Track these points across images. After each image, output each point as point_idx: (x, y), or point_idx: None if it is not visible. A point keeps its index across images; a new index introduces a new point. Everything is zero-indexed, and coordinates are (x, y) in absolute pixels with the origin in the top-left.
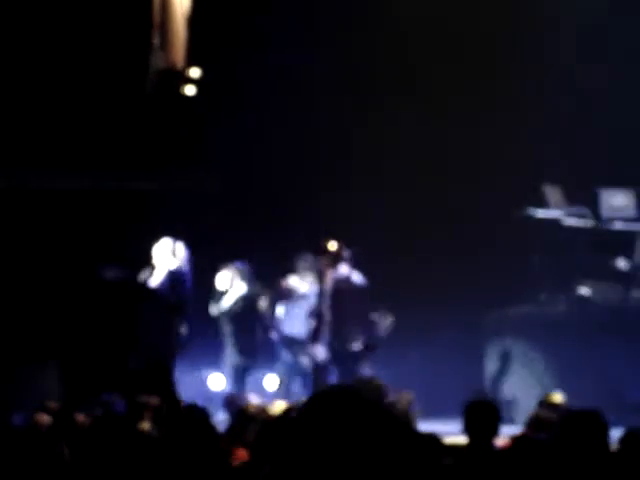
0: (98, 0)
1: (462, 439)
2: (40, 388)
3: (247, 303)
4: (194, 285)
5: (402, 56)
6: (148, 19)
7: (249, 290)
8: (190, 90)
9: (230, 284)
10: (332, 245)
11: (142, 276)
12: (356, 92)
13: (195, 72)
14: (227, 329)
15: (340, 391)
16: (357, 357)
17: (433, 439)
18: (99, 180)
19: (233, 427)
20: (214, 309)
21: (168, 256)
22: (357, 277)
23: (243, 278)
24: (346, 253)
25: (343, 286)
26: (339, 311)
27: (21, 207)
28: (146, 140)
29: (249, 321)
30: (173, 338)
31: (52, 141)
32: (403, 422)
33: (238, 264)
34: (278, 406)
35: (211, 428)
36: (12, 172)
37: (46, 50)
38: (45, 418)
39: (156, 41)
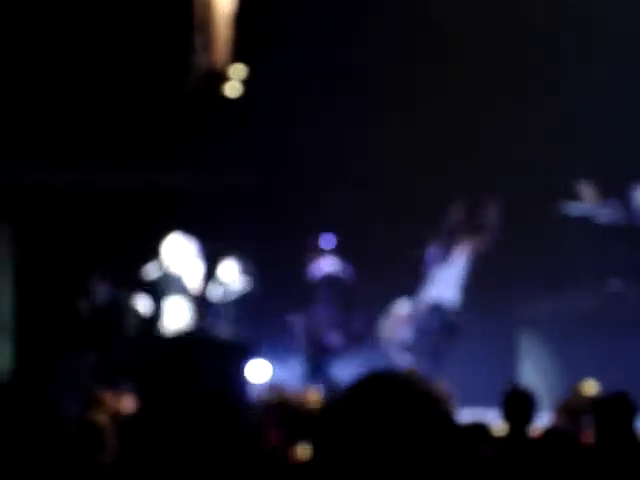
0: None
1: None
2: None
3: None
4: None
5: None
6: (190, 19)
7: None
8: (234, 90)
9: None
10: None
11: (146, 271)
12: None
13: (238, 72)
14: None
15: (390, 378)
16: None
17: (480, 428)
18: (137, 177)
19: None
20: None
21: (178, 252)
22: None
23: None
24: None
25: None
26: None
27: (57, 204)
28: (186, 138)
29: None
30: None
31: (94, 140)
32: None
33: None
34: (312, 394)
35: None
36: (50, 169)
37: (88, 49)
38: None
39: (199, 41)
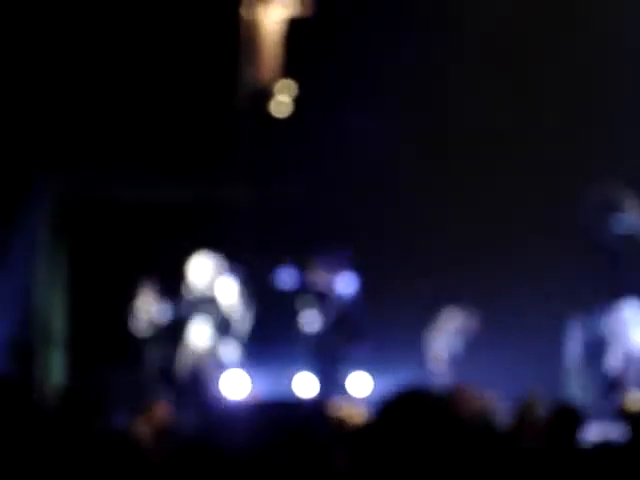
0: (188, 15)
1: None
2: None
3: None
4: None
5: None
6: (237, 37)
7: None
8: (282, 107)
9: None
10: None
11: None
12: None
13: (286, 89)
14: None
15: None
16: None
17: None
18: (183, 191)
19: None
20: None
21: (207, 273)
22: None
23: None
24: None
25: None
26: None
27: (114, 219)
28: (233, 153)
29: None
30: None
31: (140, 154)
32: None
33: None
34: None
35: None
36: (95, 182)
37: (135, 65)
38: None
39: (245, 57)
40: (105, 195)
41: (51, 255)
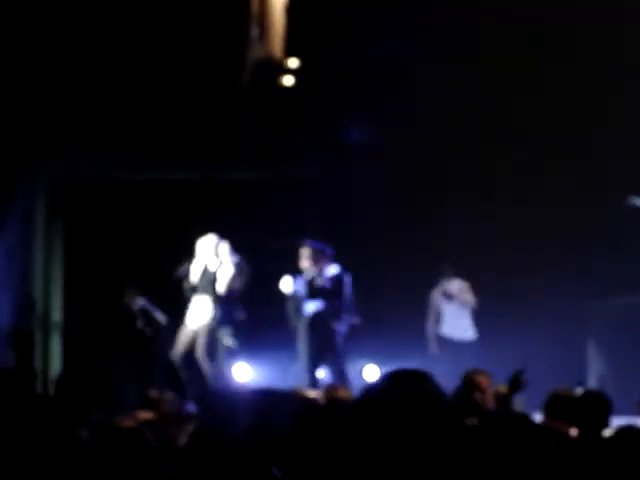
0: None
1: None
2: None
3: None
4: None
5: None
6: (246, 10)
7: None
8: (288, 81)
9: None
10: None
11: (180, 271)
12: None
13: (293, 63)
14: None
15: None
16: None
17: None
18: (191, 171)
19: None
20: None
21: (210, 254)
22: None
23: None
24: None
25: None
26: None
27: (115, 197)
28: (241, 130)
29: None
30: None
31: (147, 134)
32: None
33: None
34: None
35: None
36: (114, 163)
37: (143, 42)
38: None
39: (254, 32)
40: (102, 179)
41: (48, 240)
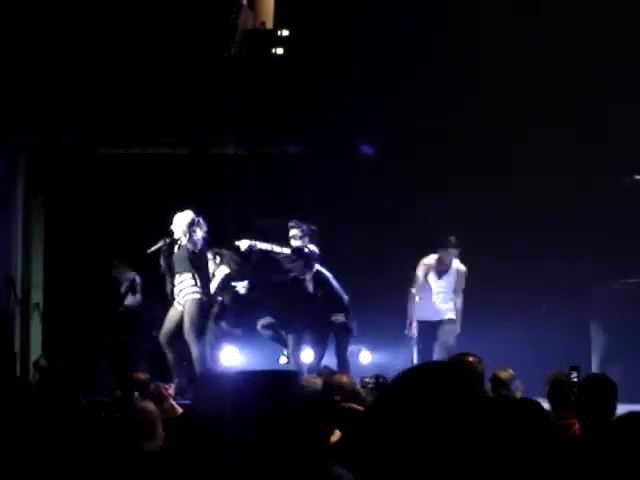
0: None
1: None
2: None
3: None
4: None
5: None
6: None
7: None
8: (278, 50)
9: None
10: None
11: (160, 245)
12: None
13: (284, 32)
14: None
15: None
16: None
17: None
18: (178, 144)
19: None
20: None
21: (185, 230)
22: None
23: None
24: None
25: None
26: None
27: (101, 171)
28: (231, 102)
29: None
30: None
31: (130, 106)
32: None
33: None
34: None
35: None
36: (96, 137)
37: (128, 13)
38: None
39: (245, 0)
40: (83, 153)
41: (27, 217)
